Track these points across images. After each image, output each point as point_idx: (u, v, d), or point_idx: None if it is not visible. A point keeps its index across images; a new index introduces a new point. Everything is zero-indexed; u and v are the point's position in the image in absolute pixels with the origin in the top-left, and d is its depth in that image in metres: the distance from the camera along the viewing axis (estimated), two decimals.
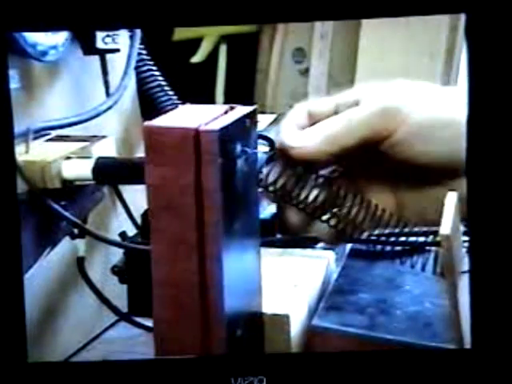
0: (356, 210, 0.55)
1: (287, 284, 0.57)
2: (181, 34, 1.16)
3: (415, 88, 0.53)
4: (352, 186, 0.56)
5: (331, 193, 0.55)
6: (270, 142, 0.58)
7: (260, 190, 0.54)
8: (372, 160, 0.55)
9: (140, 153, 0.71)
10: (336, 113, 0.56)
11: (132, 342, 0.69)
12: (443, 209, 0.47)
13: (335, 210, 0.55)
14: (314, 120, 0.56)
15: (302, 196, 0.55)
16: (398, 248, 0.61)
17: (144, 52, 0.76)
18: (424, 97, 0.52)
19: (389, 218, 0.55)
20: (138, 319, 0.66)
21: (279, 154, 0.56)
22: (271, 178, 0.55)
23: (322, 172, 0.57)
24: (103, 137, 0.65)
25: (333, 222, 0.55)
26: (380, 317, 0.55)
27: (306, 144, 0.54)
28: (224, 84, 1.21)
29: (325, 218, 0.56)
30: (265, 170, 0.54)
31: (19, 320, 0.48)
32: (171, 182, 0.46)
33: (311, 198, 0.55)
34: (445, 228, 0.46)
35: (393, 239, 0.58)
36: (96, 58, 0.72)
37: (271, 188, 0.55)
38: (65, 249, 0.64)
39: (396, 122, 0.51)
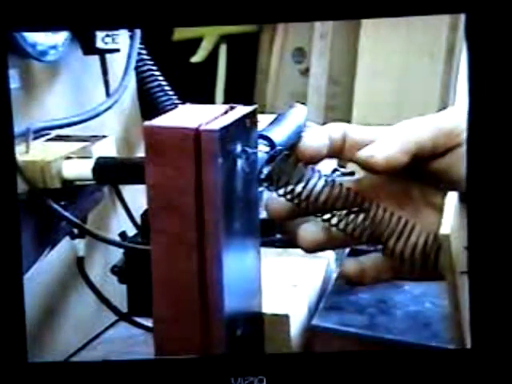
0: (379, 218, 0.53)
1: (287, 284, 0.57)
2: (181, 34, 1.16)
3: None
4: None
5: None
6: (270, 141, 0.58)
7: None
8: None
9: (140, 153, 0.71)
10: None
11: (132, 342, 0.69)
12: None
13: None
14: (349, 144, 0.55)
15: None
16: None
17: (144, 52, 0.76)
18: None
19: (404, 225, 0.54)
20: (138, 319, 0.66)
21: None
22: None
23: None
24: (103, 137, 0.65)
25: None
26: (380, 317, 0.55)
27: (384, 153, 0.52)
28: (224, 84, 1.21)
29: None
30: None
31: (19, 320, 0.48)
32: (171, 181, 0.46)
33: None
34: (445, 228, 0.46)
35: None
36: (96, 58, 0.72)
37: (289, 196, 0.52)
38: (65, 249, 0.64)
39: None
